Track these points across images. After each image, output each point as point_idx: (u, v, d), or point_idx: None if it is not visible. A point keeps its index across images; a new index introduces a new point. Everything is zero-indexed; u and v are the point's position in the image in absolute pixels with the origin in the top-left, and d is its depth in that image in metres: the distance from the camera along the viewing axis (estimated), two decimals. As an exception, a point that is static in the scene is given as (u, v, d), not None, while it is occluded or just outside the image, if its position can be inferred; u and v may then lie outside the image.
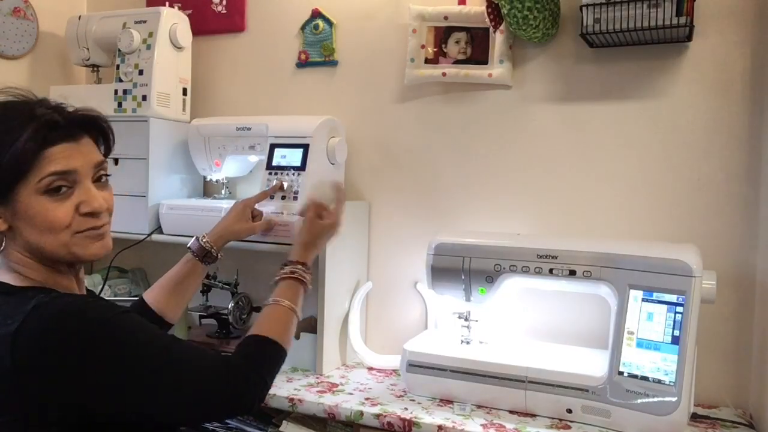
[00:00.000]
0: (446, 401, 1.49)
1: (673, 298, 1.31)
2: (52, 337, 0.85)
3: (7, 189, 0.91)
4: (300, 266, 1.28)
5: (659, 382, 1.29)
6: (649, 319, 1.33)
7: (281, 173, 1.69)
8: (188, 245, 1.44)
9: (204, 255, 1.42)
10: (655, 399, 1.27)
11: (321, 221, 1.39)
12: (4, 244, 0.96)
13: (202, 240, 1.42)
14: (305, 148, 1.69)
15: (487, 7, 1.64)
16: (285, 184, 1.64)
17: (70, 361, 0.85)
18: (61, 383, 0.86)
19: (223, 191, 1.95)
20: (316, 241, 1.37)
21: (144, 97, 1.83)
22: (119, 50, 1.87)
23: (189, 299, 1.43)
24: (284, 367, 1.68)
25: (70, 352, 0.86)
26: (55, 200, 0.93)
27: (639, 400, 1.29)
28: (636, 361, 1.32)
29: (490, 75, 1.69)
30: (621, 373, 1.33)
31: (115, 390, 0.89)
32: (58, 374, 0.85)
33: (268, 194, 1.62)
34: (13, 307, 0.88)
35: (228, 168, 1.90)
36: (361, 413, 1.42)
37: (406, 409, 1.43)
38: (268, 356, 1.09)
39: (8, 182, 0.91)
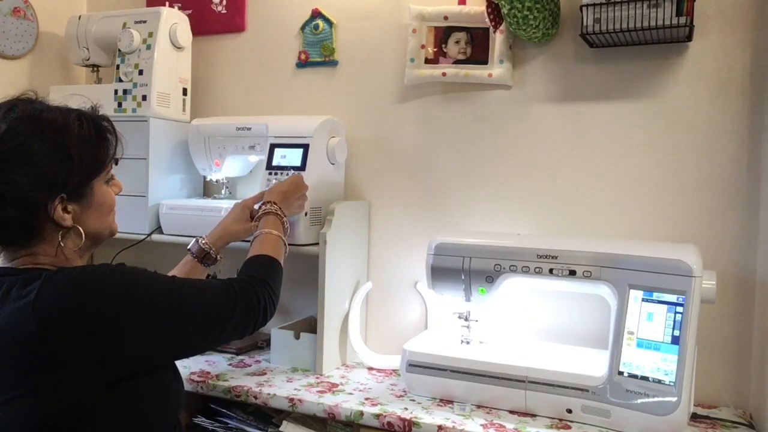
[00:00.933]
0: (446, 401, 1.48)
1: (673, 298, 1.31)
2: (70, 297, 0.91)
3: (87, 184, 1.03)
4: (277, 206, 1.40)
5: (659, 382, 1.29)
6: (649, 319, 1.33)
7: (281, 173, 1.69)
8: (188, 247, 1.45)
9: (203, 256, 1.44)
10: (655, 399, 1.27)
11: (303, 182, 1.54)
12: (60, 243, 1.02)
13: (201, 242, 1.44)
14: (305, 148, 1.69)
15: (487, 7, 1.64)
16: None
17: (91, 316, 0.91)
18: (85, 339, 0.90)
19: (223, 191, 1.95)
20: (291, 194, 1.49)
21: (144, 97, 1.83)
22: (119, 50, 1.87)
23: None
24: (284, 366, 1.71)
25: (89, 308, 0.92)
26: (109, 186, 1.10)
27: (639, 400, 1.29)
28: (636, 361, 1.32)
29: (490, 75, 1.69)
30: (621, 373, 1.33)
31: (140, 333, 0.95)
32: (81, 331, 0.90)
33: None
34: (24, 283, 0.94)
35: (228, 168, 1.90)
36: (361, 413, 1.42)
37: (406, 409, 1.43)
38: (269, 268, 1.22)
39: (89, 178, 1.03)
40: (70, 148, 0.99)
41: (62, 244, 1.01)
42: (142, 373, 0.99)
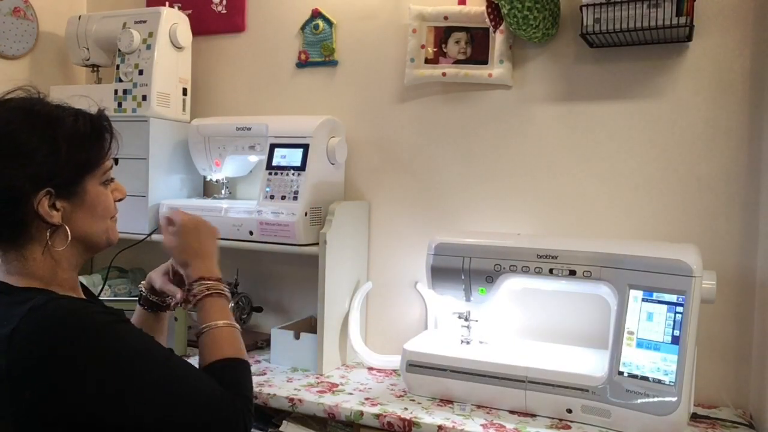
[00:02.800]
0: (446, 401, 1.48)
1: (673, 298, 1.31)
2: (48, 339, 0.85)
3: (79, 181, 0.98)
4: (209, 281, 1.09)
5: (659, 382, 1.29)
6: (649, 319, 1.33)
7: (281, 173, 1.70)
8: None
9: (142, 300, 1.21)
10: (655, 399, 1.27)
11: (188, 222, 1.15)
12: (48, 242, 0.97)
13: (139, 285, 1.23)
14: (305, 148, 1.69)
15: (487, 7, 1.64)
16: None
17: (65, 363, 0.85)
18: (55, 386, 0.85)
19: (223, 191, 1.95)
20: (193, 242, 1.13)
21: (144, 97, 1.83)
22: (119, 50, 1.87)
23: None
24: (284, 366, 1.71)
25: (66, 354, 0.85)
26: (107, 189, 1.03)
27: (639, 400, 1.29)
28: (636, 361, 1.32)
29: (490, 75, 1.69)
30: (621, 373, 1.33)
31: (109, 396, 0.87)
32: (52, 377, 0.85)
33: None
34: (10, 308, 0.88)
35: (228, 168, 1.90)
36: (361, 413, 1.42)
37: (406, 409, 1.43)
38: (242, 377, 1.03)
39: (80, 174, 0.98)
40: (59, 142, 0.95)
41: (49, 243, 0.96)
42: None
